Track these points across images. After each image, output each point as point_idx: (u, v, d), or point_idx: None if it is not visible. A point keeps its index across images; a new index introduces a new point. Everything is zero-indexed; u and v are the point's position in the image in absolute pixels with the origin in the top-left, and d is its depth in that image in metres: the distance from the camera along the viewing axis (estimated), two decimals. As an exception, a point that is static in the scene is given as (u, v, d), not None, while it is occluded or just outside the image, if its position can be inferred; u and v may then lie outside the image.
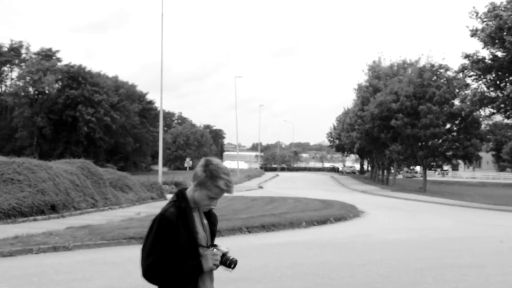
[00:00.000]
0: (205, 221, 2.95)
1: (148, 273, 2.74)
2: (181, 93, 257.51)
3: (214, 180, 2.78)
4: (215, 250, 2.86)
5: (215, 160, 2.89)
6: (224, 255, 2.86)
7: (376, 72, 54.41)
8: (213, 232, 3.00)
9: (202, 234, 2.88)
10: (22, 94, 66.35)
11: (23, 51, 75.99)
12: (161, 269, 2.72)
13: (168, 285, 2.78)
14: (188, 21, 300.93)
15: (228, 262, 2.85)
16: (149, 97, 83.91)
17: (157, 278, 2.75)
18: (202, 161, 2.87)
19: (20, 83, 67.09)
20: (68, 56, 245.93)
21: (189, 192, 2.89)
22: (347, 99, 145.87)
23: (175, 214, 2.78)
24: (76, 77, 67.23)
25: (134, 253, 10.89)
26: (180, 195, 2.88)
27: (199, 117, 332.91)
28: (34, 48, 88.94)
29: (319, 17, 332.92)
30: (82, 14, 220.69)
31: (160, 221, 2.77)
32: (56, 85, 65.33)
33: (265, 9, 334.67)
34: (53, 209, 17.36)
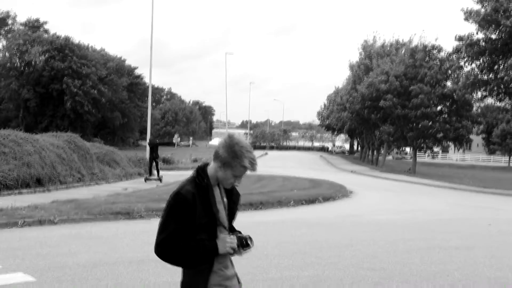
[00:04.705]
0: (225, 199, 2.86)
1: (159, 249, 2.68)
2: (177, 70, 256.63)
3: (239, 159, 2.69)
4: (232, 236, 2.76)
5: (237, 137, 2.77)
6: (239, 238, 2.79)
7: (368, 51, 54.16)
8: (233, 211, 2.89)
9: (221, 213, 2.79)
10: (9, 65, 65.26)
11: (9, 21, 74.56)
12: (173, 247, 2.65)
13: (179, 263, 2.71)
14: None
15: (244, 242, 2.77)
16: (140, 72, 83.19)
17: (168, 255, 2.68)
18: (224, 140, 2.75)
19: (7, 54, 65.95)
20: (66, 31, 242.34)
21: (210, 169, 2.78)
22: (341, 79, 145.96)
23: (192, 192, 2.68)
24: (63, 49, 66.12)
25: (120, 228, 10.80)
26: (201, 172, 2.78)
27: (192, 94, 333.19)
28: (22, 19, 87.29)
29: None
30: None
31: (175, 199, 2.69)
32: (42, 57, 64.22)
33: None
34: (38, 183, 17.17)
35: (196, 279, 2.71)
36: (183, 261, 2.70)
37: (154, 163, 23.82)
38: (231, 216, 2.88)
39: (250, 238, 2.79)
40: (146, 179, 23.11)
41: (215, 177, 2.78)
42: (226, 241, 2.72)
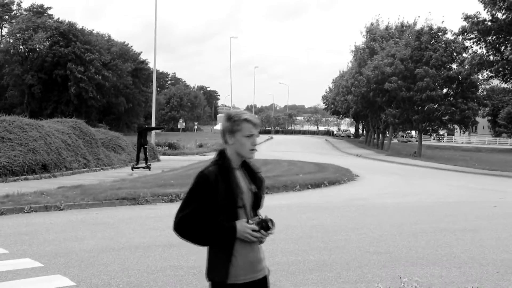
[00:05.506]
0: (253, 186, 2.90)
1: (178, 227, 2.73)
2: (182, 54, 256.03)
3: (239, 118, 2.81)
4: (253, 225, 2.74)
5: (230, 110, 2.99)
6: (259, 222, 2.77)
7: (373, 34, 53.74)
8: (258, 196, 2.90)
9: (247, 195, 2.83)
10: (12, 51, 65.21)
11: (14, 7, 74.40)
12: (192, 224, 2.70)
13: (196, 240, 2.75)
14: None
15: (265, 225, 2.78)
16: (145, 57, 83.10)
17: (186, 232, 2.73)
18: (223, 117, 2.91)
19: (11, 40, 65.88)
20: (70, 16, 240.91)
21: (228, 151, 2.86)
22: (345, 62, 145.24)
23: (215, 173, 2.74)
24: (66, 34, 65.92)
25: (126, 214, 10.83)
26: (222, 153, 2.85)
27: (196, 79, 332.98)
28: (26, 4, 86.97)
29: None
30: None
31: (198, 178, 2.75)
32: (46, 43, 64.09)
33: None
34: (44, 169, 17.23)
35: (218, 257, 2.74)
36: (200, 239, 2.74)
37: (142, 150, 21.68)
38: (257, 200, 2.90)
39: (271, 220, 2.79)
40: (133, 167, 21.00)
41: (235, 156, 2.84)
42: (246, 231, 2.73)
